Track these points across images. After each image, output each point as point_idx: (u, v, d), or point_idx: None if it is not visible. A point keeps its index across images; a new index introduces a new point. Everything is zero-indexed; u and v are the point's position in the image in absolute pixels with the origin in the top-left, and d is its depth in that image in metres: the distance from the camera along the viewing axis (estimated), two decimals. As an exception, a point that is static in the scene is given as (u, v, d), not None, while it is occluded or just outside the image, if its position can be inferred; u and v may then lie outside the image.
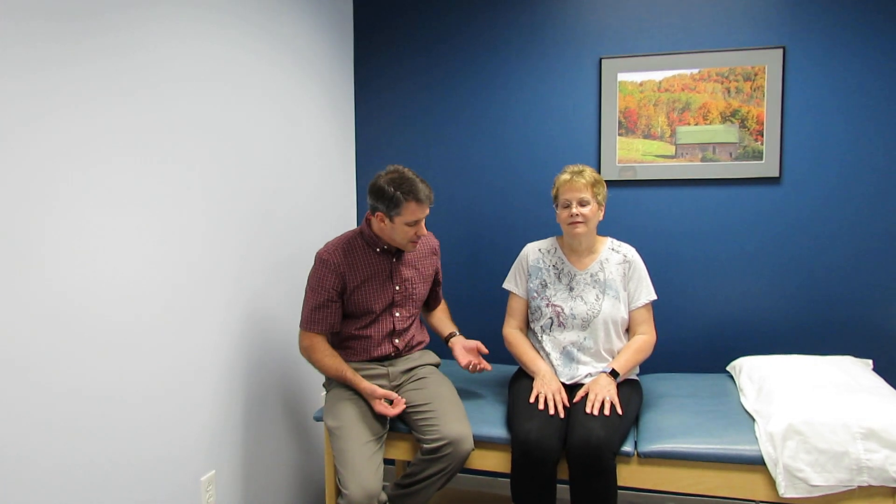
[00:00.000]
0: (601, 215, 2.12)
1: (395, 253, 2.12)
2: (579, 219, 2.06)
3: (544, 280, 2.17)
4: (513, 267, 2.26)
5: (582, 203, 2.06)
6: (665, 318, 2.49)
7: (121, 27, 1.61)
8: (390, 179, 1.96)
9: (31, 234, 1.39)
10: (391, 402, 2.01)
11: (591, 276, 2.13)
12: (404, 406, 1.99)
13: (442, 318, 2.32)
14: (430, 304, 2.34)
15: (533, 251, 2.22)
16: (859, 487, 1.71)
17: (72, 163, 1.48)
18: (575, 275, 2.14)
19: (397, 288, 2.11)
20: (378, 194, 1.97)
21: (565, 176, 2.10)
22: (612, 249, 2.16)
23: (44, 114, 1.41)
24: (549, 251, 2.20)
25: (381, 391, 1.98)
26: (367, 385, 2.00)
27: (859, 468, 1.70)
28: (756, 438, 1.84)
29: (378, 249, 2.09)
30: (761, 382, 2.03)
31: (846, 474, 1.71)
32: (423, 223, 2.02)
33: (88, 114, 1.52)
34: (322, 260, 2.05)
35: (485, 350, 2.17)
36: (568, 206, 2.08)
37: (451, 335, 2.23)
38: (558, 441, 1.85)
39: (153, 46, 1.71)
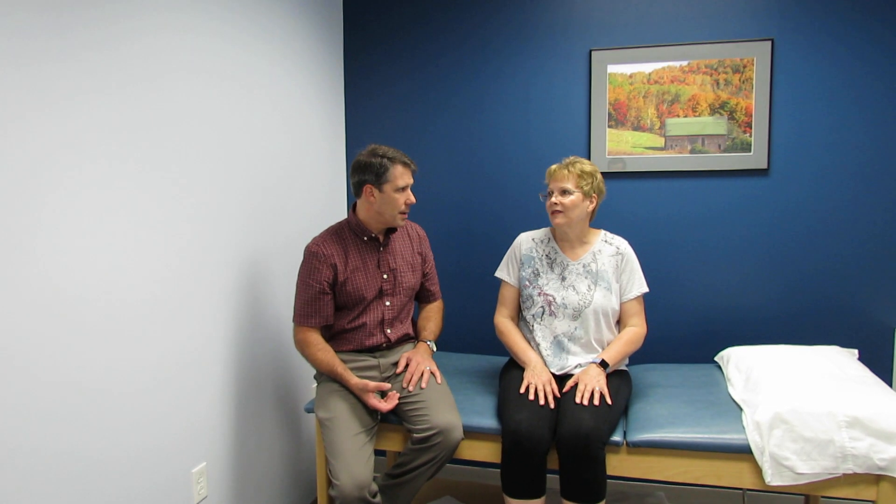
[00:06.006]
0: (589, 207, 2.11)
1: (382, 242, 2.13)
2: (558, 207, 2.08)
3: (536, 269, 2.18)
4: (505, 256, 2.26)
5: (563, 192, 2.08)
6: (654, 308, 2.51)
7: (110, 20, 1.59)
8: (371, 152, 2.03)
9: (24, 226, 1.38)
10: (384, 395, 2.01)
11: (584, 266, 2.14)
12: (397, 402, 1.99)
13: (427, 324, 2.27)
14: (423, 299, 2.33)
15: (526, 240, 2.23)
16: (844, 475, 1.74)
17: (65, 156, 1.47)
18: (567, 265, 2.15)
19: (385, 276, 2.12)
20: (364, 167, 2.02)
21: (553, 166, 2.13)
22: (605, 241, 2.17)
23: (36, 107, 1.39)
24: (542, 241, 2.21)
25: (373, 384, 1.97)
26: (357, 381, 1.99)
27: (844, 456, 1.72)
28: (743, 427, 1.85)
29: (365, 238, 2.10)
30: (749, 372, 2.05)
31: (831, 462, 1.73)
32: (410, 191, 2.05)
33: (80, 106, 1.50)
34: (312, 252, 2.05)
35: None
36: (552, 195, 2.11)
37: (422, 341, 2.19)
38: (548, 431, 1.87)
39: (143, 39, 1.70)
